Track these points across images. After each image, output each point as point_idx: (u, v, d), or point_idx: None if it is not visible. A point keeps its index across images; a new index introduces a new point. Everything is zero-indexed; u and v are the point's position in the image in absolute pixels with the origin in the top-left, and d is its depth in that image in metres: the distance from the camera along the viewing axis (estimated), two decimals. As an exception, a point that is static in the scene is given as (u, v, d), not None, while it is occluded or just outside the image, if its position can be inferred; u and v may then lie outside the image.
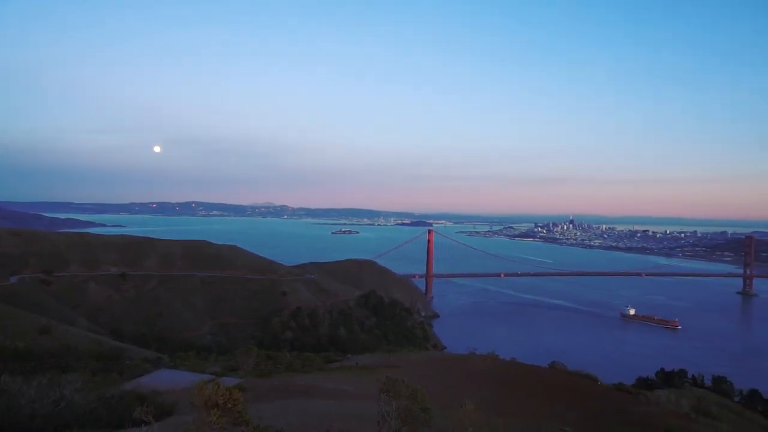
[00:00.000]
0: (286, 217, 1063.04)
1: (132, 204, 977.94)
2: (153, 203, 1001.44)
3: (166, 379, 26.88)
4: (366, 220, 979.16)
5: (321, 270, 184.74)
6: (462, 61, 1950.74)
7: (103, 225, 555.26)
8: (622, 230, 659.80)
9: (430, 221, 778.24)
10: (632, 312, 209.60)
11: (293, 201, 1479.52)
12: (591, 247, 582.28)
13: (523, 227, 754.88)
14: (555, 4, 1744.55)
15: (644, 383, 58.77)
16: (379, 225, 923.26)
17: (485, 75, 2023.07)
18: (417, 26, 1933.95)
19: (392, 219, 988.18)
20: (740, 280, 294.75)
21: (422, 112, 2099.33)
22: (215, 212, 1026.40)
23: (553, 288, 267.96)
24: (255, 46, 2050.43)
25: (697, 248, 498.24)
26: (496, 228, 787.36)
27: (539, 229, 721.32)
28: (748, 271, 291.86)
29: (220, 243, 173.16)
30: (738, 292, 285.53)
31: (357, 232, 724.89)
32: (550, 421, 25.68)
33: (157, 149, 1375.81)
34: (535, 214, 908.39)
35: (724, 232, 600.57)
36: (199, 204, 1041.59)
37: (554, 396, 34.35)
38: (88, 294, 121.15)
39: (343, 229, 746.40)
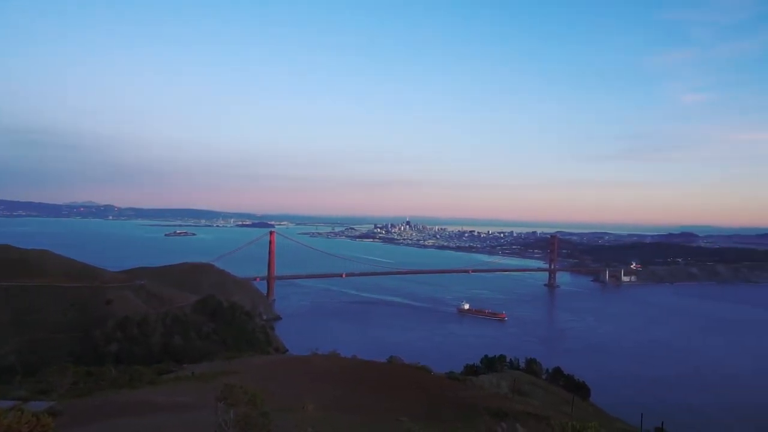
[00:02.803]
0: (111, 217, 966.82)
1: None
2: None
3: (-47, 410, 22.90)
4: (204, 221, 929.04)
5: (153, 275, 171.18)
6: (311, 61, 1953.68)
7: None
8: (452, 231, 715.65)
9: (272, 222, 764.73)
10: (467, 306, 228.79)
11: (120, 200, 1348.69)
12: (425, 246, 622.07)
13: (364, 228, 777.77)
14: (388, 5, 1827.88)
15: (471, 370, 64.70)
16: (218, 226, 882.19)
17: (331, 77, 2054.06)
18: (267, 24, 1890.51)
19: (232, 220, 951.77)
20: (547, 274, 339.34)
21: (265, 112, 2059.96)
22: (21, 212, 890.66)
23: (392, 286, 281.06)
24: (82, 30, 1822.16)
25: (513, 246, 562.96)
26: (338, 229, 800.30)
27: (378, 230, 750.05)
28: (552, 266, 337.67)
29: (27, 247, 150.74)
30: (545, 284, 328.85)
31: (194, 234, 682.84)
32: (389, 413, 26.99)
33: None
34: (375, 216, 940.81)
35: (534, 232, 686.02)
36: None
37: (392, 388, 36.18)
38: None
39: (177, 231, 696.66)
